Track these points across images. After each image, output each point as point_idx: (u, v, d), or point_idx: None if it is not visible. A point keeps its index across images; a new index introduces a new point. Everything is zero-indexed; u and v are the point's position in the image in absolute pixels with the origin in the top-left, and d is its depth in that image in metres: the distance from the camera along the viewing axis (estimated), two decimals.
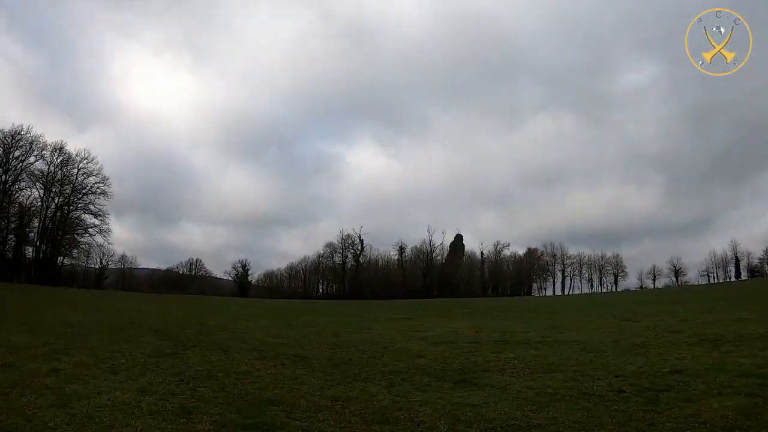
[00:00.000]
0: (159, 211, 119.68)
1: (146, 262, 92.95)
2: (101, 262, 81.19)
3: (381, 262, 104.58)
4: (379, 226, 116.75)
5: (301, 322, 23.21)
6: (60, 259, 74.83)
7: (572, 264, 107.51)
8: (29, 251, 72.08)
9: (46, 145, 70.41)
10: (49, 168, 71.26)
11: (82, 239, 74.77)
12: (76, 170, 73.03)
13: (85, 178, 73.37)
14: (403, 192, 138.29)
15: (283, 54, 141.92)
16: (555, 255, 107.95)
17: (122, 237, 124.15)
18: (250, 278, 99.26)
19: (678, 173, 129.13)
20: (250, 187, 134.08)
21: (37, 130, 73.17)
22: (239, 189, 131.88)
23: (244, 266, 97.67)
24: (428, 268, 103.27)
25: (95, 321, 19.81)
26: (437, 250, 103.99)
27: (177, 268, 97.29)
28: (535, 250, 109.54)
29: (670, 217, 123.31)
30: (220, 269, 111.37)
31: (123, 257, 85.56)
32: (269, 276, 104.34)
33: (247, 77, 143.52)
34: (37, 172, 70.16)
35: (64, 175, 72.57)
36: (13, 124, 74.75)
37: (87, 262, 79.87)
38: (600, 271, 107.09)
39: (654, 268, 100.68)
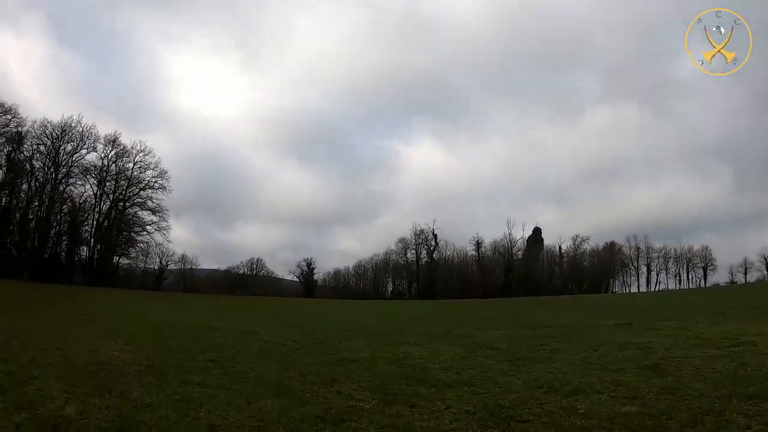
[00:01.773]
0: (215, 212, 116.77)
1: (205, 263, 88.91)
2: (160, 262, 75.99)
3: (456, 259, 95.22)
4: (438, 223, 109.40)
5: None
6: (116, 259, 70.15)
7: (657, 257, 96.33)
8: (83, 251, 67.83)
9: (99, 137, 65.59)
10: (102, 161, 66.34)
11: (139, 237, 69.64)
12: (132, 164, 67.81)
13: (141, 172, 67.91)
14: (461, 187, 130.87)
15: (337, 51, 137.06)
16: (639, 248, 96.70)
17: (179, 238, 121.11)
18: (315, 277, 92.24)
19: (743, 164, 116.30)
20: (306, 185, 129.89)
21: (87, 121, 68.81)
22: (295, 188, 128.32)
23: (310, 265, 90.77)
24: (509, 264, 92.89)
25: None
26: (517, 246, 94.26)
27: (237, 267, 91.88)
28: (614, 243, 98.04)
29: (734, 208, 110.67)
30: (276, 269, 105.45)
31: (183, 257, 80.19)
32: (336, 275, 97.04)
33: (301, 76, 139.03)
34: (89, 166, 65.50)
35: (119, 169, 67.44)
36: (62, 115, 70.71)
37: (145, 263, 75.06)
38: (687, 265, 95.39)
39: (745, 261, 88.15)
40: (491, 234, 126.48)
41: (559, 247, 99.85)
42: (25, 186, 62.01)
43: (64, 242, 65.07)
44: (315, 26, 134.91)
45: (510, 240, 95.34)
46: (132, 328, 15.21)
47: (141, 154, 67.79)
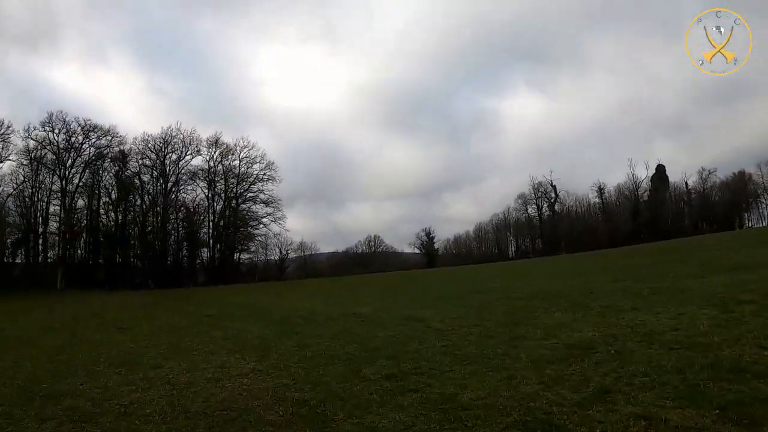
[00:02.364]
0: (327, 196, 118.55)
1: (323, 247, 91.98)
2: (280, 252, 79.33)
3: (579, 210, 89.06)
4: (555, 174, 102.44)
5: None
6: (236, 255, 74.22)
7: None
8: (204, 253, 72.29)
9: (201, 141, 68.63)
10: (209, 164, 69.56)
11: (256, 231, 73.00)
12: (237, 161, 70.55)
13: (249, 167, 70.31)
14: (570, 133, 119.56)
15: (416, 15, 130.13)
16: None
17: (296, 227, 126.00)
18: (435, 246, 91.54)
19: None
20: (411, 157, 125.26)
21: (186, 127, 72.59)
22: (401, 161, 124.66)
23: (429, 234, 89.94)
24: (636, 207, 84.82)
25: None
26: (642, 187, 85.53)
27: (356, 247, 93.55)
28: (743, 173, 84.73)
29: None
30: (395, 243, 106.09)
31: (302, 244, 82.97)
32: (456, 241, 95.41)
33: (386, 49, 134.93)
34: (197, 171, 68.87)
35: (226, 168, 70.48)
36: (162, 127, 74.75)
37: (266, 254, 78.71)
38: None
39: None
40: (612, 179, 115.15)
41: (686, 183, 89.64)
42: (138, 201, 66.83)
43: (185, 247, 69.91)
44: None
45: (634, 181, 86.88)
46: (263, 330, 12.89)
47: (245, 150, 70.19)
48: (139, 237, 65.50)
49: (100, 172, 65.17)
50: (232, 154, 69.80)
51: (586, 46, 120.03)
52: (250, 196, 71.52)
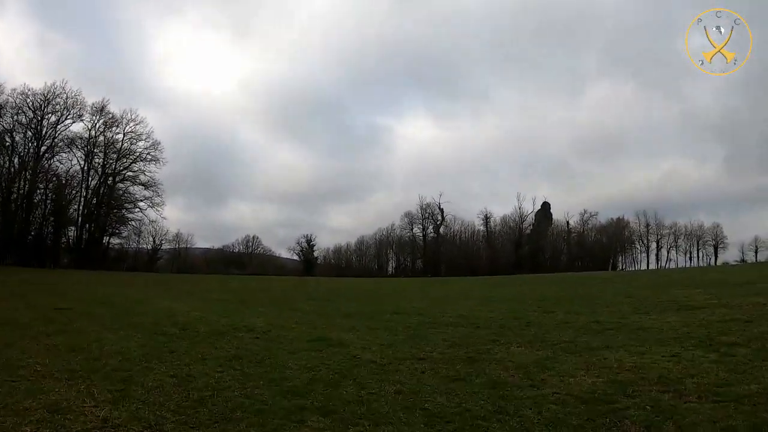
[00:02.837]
0: (207, 190, 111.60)
1: (198, 242, 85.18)
2: (154, 241, 70.98)
3: (464, 235, 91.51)
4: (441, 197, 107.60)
5: None
6: (106, 239, 65.00)
7: (666, 234, 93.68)
8: (70, 232, 62.63)
9: (86, 106, 59.66)
10: (90, 132, 60.69)
11: (131, 215, 64.67)
12: (122, 134, 62.19)
13: (132, 144, 62.42)
14: (458, 163, 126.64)
15: (330, 21, 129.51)
16: (648, 224, 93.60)
17: (171, 217, 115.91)
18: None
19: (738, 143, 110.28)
20: (298, 162, 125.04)
21: (72, 86, 62.68)
22: (287, 164, 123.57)
23: (309, 241, 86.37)
24: (520, 239, 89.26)
25: None
26: (527, 221, 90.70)
27: (233, 246, 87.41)
28: (621, 219, 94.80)
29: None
30: (273, 246, 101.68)
31: (178, 235, 75.16)
32: (337, 252, 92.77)
33: (290, 49, 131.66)
34: (75, 138, 59.75)
35: (108, 141, 61.85)
36: (45, 83, 64.15)
37: (138, 242, 70.02)
38: (698, 243, 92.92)
39: (756, 239, 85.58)
40: (495, 210, 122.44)
41: (567, 222, 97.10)
42: (5, 163, 56.07)
43: (51, 223, 59.75)
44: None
45: (521, 214, 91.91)
46: (126, 341, 9.23)
47: (132, 124, 62.26)
48: (2, 204, 54.33)
49: None
50: (117, 126, 61.70)
51: (484, 85, 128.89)
52: (129, 176, 63.41)
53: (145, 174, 62.21)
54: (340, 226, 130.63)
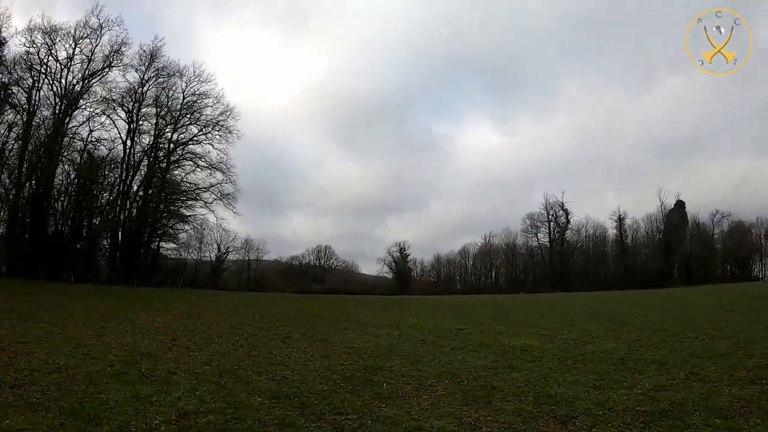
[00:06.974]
0: (262, 201, 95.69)
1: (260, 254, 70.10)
2: (219, 249, 51.70)
3: (595, 238, 72.11)
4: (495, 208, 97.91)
5: None
6: (155, 242, 45.43)
7: None
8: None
9: (134, 51, 40.89)
10: (137, 85, 41.83)
11: (190, 212, 45.05)
12: (182, 90, 43.04)
13: (195, 103, 43.14)
14: (521, 170, 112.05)
15: (386, 28, 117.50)
16: None
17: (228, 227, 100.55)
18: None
19: None
20: (356, 173, 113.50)
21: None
22: (344, 175, 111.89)
23: (402, 251, 66.94)
24: (669, 243, 69.55)
25: None
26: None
27: (303, 256, 68.95)
28: (743, 222, 76.25)
29: None
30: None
31: (247, 242, 56.10)
32: (436, 262, 73.44)
33: (348, 56, 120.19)
34: (119, 94, 40.91)
35: (161, 95, 42.38)
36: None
37: (200, 249, 50.91)
38: None
39: None
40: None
41: (697, 224, 77.62)
42: (12, 117, 36.90)
43: (79, 218, 40.61)
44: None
45: (663, 212, 72.82)
46: None
47: (196, 81, 42.75)
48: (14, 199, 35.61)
49: None
50: (176, 77, 42.03)
51: (549, 83, 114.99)
52: (188, 154, 43.86)
53: (215, 148, 42.42)
54: (399, 238, 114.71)
